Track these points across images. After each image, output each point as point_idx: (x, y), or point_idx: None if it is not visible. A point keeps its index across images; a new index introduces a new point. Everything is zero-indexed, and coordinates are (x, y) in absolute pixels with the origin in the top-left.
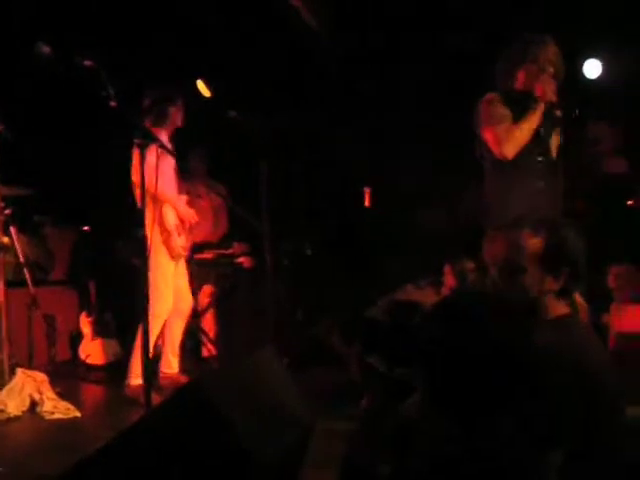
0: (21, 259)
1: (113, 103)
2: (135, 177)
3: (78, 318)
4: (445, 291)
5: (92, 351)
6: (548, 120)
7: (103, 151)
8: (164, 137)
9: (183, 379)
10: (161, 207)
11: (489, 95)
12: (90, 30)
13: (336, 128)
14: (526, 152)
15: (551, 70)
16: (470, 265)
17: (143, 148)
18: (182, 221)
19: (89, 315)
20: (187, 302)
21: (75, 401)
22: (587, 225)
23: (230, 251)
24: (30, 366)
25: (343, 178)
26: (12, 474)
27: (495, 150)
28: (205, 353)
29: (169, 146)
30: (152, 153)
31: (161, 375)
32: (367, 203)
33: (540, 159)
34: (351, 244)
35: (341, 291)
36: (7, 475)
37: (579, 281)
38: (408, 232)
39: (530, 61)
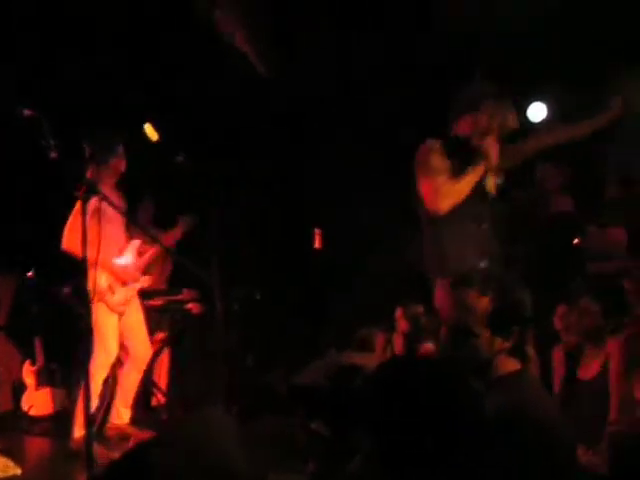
0: None
1: (54, 154)
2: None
3: (21, 367)
4: (397, 336)
5: (36, 402)
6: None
7: (49, 197)
8: (108, 186)
9: (131, 430)
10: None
11: (429, 142)
12: (31, 77)
13: (287, 170)
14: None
15: (495, 126)
16: (420, 309)
17: (84, 201)
18: (121, 280)
19: (33, 364)
20: (144, 353)
21: (16, 456)
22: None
23: (179, 297)
24: None
25: (293, 220)
26: None
27: (429, 203)
28: (154, 402)
29: (113, 195)
30: (91, 208)
31: (109, 426)
32: (317, 245)
33: (482, 204)
34: (301, 287)
35: (292, 336)
36: None
37: (528, 337)
38: (359, 275)
39: (473, 112)
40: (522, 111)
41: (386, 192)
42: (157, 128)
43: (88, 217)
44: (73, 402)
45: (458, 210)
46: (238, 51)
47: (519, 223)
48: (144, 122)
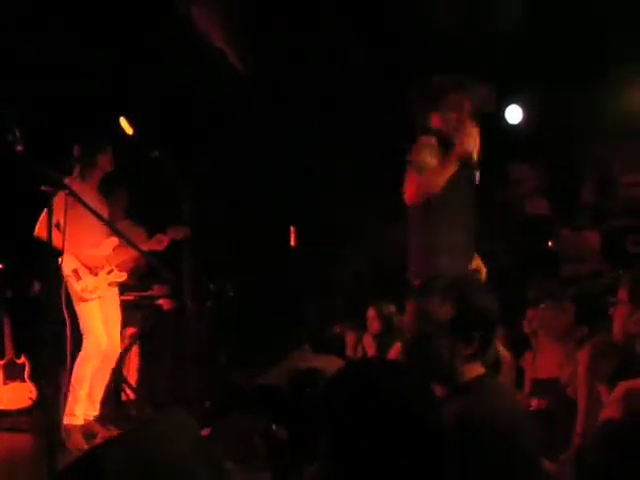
0: None
1: (19, 147)
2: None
3: None
4: (368, 337)
5: (3, 396)
6: (465, 168)
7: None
8: (92, 184)
9: (97, 428)
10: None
11: (425, 138)
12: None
13: (263, 167)
14: (456, 190)
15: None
16: (393, 308)
17: (51, 195)
18: (87, 266)
19: (1, 358)
20: (113, 350)
21: None
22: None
23: (150, 293)
24: None
25: (267, 218)
26: None
27: (404, 194)
28: (124, 398)
29: (95, 193)
30: (60, 202)
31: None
32: (292, 242)
33: (467, 196)
34: (275, 284)
35: (265, 334)
36: None
37: (492, 341)
38: (333, 273)
39: (437, 109)
40: (500, 113)
41: (362, 191)
42: (132, 122)
43: (56, 208)
44: (45, 396)
45: (446, 203)
46: (215, 48)
47: (495, 222)
48: (120, 116)
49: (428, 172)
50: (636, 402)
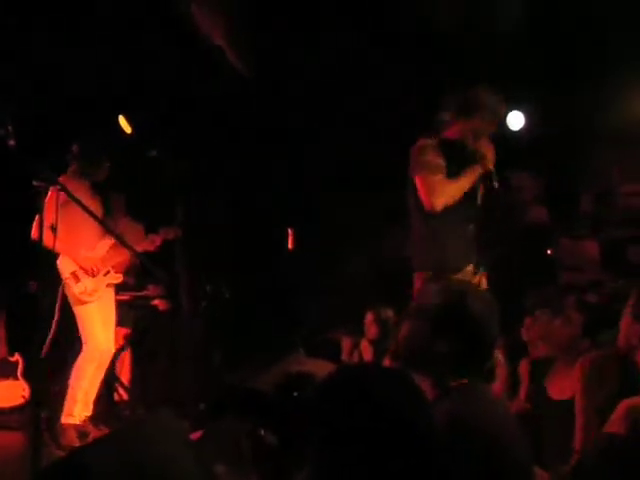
0: None
1: (12, 142)
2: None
3: None
4: (365, 342)
5: None
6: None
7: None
8: (87, 184)
9: (90, 428)
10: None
11: (422, 141)
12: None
13: (261, 169)
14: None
15: (491, 127)
16: (391, 313)
17: (43, 192)
18: (85, 268)
19: None
20: (108, 349)
21: None
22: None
23: (144, 293)
24: None
25: (265, 219)
26: None
27: (425, 200)
28: (117, 398)
29: (88, 193)
30: (52, 199)
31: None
32: (290, 245)
33: (471, 205)
34: (272, 286)
35: (260, 336)
36: None
37: (488, 361)
38: (331, 276)
39: (468, 117)
40: (502, 120)
41: (360, 193)
42: (130, 121)
43: (47, 207)
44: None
45: (452, 209)
46: (216, 48)
47: (495, 229)
48: (118, 115)
49: (452, 182)
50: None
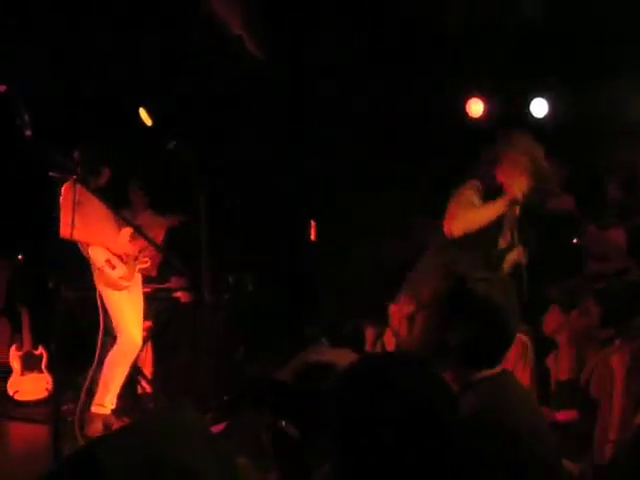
0: None
1: (28, 132)
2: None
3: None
4: (389, 333)
5: (21, 387)
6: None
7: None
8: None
9: (114, 420)
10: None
11: (475, 182)
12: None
13: (285, 160)
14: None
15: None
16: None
17: (60, 182)
18: (118, 255)
19: (19, 349)
20: (137, 342)
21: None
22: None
23: (166, 285)
24: None
25: (288, 210)
26: None
27: (446, 224)
28: (140, 391)
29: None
30: (70, 190)
31: (91, 414)
32: (313, 237)
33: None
34: (295, 279)
35: (284, 328)
36: None
37: (504, 352)
38: (354, 268)
39: (507, 160)
40: (525, 107)
41: (384, 187)
42: (151, 114)
43: (64, 203)
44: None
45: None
46: (233, 35)
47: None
48: (139, 107)
49: (475, 209)
50: None
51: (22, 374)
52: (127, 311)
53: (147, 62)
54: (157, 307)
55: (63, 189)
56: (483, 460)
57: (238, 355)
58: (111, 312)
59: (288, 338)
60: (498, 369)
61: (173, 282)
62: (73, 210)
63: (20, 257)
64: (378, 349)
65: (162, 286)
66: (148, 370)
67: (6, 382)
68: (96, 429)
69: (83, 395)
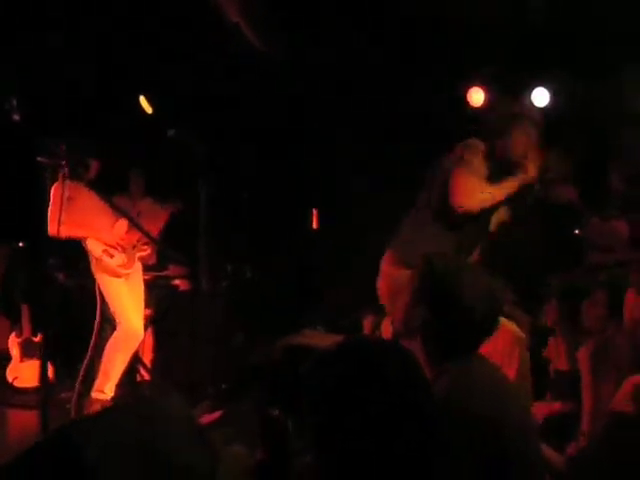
0: None
1: (16, 116)
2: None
3: (7, 338)
4: (387, 321)
5: (20, 373)
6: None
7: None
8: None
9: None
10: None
11: (475, 142)
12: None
13: (286, 148)
14: None
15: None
16: None
17: (50, 169)
18: (113, 245)
19: (19, 336)
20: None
21: None
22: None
23: (165, 273)
24: None
25: (289, 198)
26: None
27: (457, 198)
28: (139, 378)
29: (85, 189)
30: (58, 188)
31: (91, 400)
32: (315, 225)
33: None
34: (295, 267)
35: (282, 316)
36: None
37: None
38: (354, 255)
39: (505, 138)
40: (527, 96)
41: (386, 175)
42: (151, 101)
43: (54, 200)
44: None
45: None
46: (233, 25)
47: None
48: (139, 95)
49: (489, 188)
50: None
51: (21, 361)
52: (126, 299)
53: (146, 51)
54: (157, 295)
55: (53, 188)
56: (448, 447)
57: (237, 343)
58: (110, 300)
59: (287, 326)
60: (473, 357)
61: (171, 270)
62: (60, 209)
63: (21, 244)
64: None
65: (161, 274)
66: (147, 358)
67: (5, 369)
68: None
69: (79, 381)
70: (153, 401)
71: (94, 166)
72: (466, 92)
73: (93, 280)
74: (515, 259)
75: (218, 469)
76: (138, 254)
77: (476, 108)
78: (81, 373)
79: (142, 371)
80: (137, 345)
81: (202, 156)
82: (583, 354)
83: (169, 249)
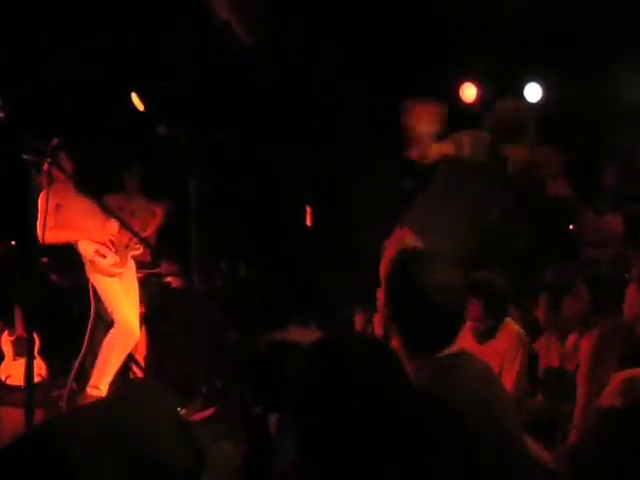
0: None
1: (1, 114)
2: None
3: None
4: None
5: (13, 372)
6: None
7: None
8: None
9: None
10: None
11: (482, 134)
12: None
13: (278, 144)
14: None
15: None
16: None
17: (35, 167)
18: (105, 245)
19: (11, 334)
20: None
21: None
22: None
23: (157, 270)
24: None
25: (284, 196)
26: None
27: None
28: (131, 376)
29: (74, 193)
30: (44, 198)
31: (85, 396)
32: (309, 222)
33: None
34: (289, 264)
35: (277, 313)
36: None
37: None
38: (348, 252)
39: None
40: (519, 91)
41: (380, 173)
42: (142, 98)
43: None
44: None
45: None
46: (223, 22)
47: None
48: (131, 91)
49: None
50: (635, 391)
51: (14, 359)
52: (122, 298)
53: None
54: (149, 292)
55: (40, 198)
56: (430, 442)
57: (230, 340)
58: (106, 300)
59: (281, 324)
60: (453, 350)
61: (164, 267)
62: (45, 217)
63: (13, 242)
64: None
65: (153, 271)
66: (140, 355)
67: None
68: None
69: (71, 378)
70: (136, 397)
71: (67, 164)
72: (458, 88)
73: (86, 279)
74: (510, 254)
75: (204, 466)
76: (131, 253)
77: (468, 103)
78: (73, 371)
79: (135, 369)
80: (134, 343)
81: (192, 153)
82: (584, 346)
83: (157, 248)
